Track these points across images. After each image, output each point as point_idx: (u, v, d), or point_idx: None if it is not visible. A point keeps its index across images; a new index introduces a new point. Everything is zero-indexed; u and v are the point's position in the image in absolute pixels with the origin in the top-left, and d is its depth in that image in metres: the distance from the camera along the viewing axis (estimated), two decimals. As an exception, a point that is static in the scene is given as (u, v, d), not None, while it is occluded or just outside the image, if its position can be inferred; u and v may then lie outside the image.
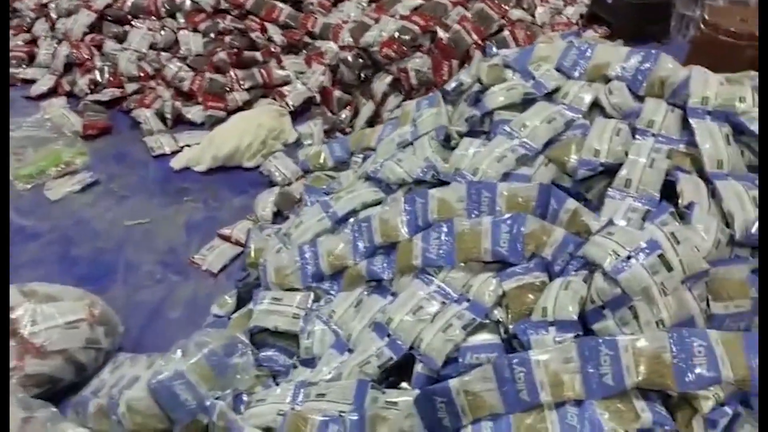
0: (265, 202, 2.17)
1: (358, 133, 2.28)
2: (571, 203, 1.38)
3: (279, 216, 2.18)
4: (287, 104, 2.72)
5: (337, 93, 2.69)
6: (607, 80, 1.61)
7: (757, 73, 1.58)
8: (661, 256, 1.18)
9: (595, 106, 1.59)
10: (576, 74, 1.65)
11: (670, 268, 1.18)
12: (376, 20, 2.60)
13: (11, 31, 3.27)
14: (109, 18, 3.09)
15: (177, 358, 1.42)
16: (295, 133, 2.57)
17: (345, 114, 2.63)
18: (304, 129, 2.55)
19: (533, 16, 2.69)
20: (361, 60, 2.59)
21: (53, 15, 3.23)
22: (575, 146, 1.50)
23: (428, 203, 1.51)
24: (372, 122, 2.55)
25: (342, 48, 2.70)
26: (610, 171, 1.46)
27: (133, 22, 3.07)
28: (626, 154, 1.45)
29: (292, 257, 1.68)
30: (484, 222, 1.41)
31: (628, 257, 1.19)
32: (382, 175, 1.74)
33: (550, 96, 1.63)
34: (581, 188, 1.51)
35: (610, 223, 1.32)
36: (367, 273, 1.53)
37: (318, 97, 2.76)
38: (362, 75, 2.64)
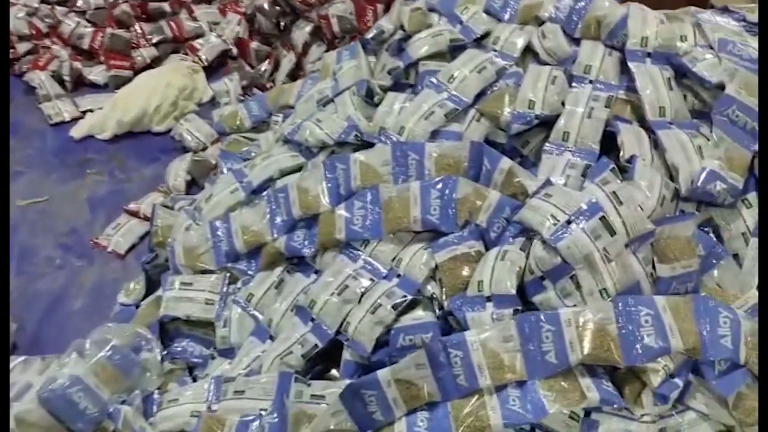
0: (177, 171, 1.97)
1: (277, 89, 2.08)
2: (506, 162, 1.25)
3: (194, 185, 1.99)
4: (200, 59, 2.48)
5: (254, 45, 2.46)
6: (540, 22, 1.46)
7: (697, 9, 1.47)
8: (602, 218, 1.07)
9: (528, 51, 1.45)
10: (506, 17, 1.50)
11: (612, 232, 1.07)
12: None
13: None
14: (-9, -32, 2.73)
15: (73, 361, 1.25)
16: (210, 92, 2.35)
17: (264, 67, 2.41)
18: (220, 86, 2.33)
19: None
20: (278, 7, 2.36)
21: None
22: (508, 98, 1.36)
23: (350, 169, 1.35)
24: (294, 75, 2.34)
25: (257, -5, 2.46)
26: (547, 123, 1.34)
27: (18, -28, 2.72)
28: (563, 104, 1.33)
29: (203, 235, 1.50)
30: (412, 187, 1.27)
31: (568, 222, 1.08)
32: (300, 138, 1.57)
33: (479, 42, 1.48)
34: (517, 143, 1.39)
35: (548, 183, 1.20)
36: (286, 249, 1.37)
37: (234, 50, 2.53)
38: (281, 24, 2.42)
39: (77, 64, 2.46)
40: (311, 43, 2.30)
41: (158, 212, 1.66)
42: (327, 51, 2.27)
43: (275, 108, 2.00)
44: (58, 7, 2.67)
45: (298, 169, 1.59)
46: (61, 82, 2.42)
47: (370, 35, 1.56)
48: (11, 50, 2.55)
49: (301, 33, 2.29)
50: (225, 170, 1.81)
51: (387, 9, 2.22)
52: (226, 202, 1.56)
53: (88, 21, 2.62)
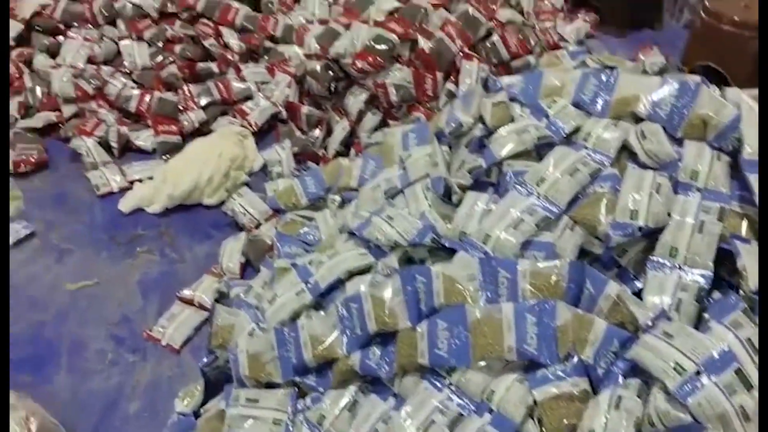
0: (232, 252, 1.88)
1: (334, 165, 1.99)
2: (612, 288, 1.13)
3: (249, 266, 1.89)
4: (250, 123, 2.40)
5: (305, 109, 2.37)
6: (635, 118, 1.34)
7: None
8: (738, 371, 0.94)
9: (624, 149, 1.33)
10: (598, 109, 1.38)
11: (749, 386, 0.94)
12: (347, 26, 2.28)
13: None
14: (38, 28, 2.70)
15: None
16: (261, 160, 2.26)
17: (316, 133, 2.32)
18: (271, 155, 2.24)
19: (522, 14, 2.40)
20: (331, 72, 2.27)
21: (-27, 25, 2.82)
22: (605, 204, 1.24)
23: (432, 282, 1.24)
24: (347, 143, 2.25)
25: (308, 57, 2.38)
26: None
27: (66, 32, 2.68)
28: (668, 214, 1.20)
29: (268, 342, 1.40)
30: (504, 310, 1.15)
31: (697, 373, 0.95)
32: (369, 235, 1.46)
33: (568, 137, 1.37)
34: (614, 252, 1.26)
35: (663, 315, 1.08)
36: (361, 368, 1.26)
37: (284, 113, 2.45)
38: (333, 87, 2.33)
39: (124, 129, 2.40)
40: (366, 111, 2.21)
41: (218, 312, 1.56)
42: (383, 120, 2.19)
43: (333, 184, 1.91)
44: (104, 67, 2.62)
45: (368, 269, 1.48)
46: (108, 147, 2.36)
47: (447, 129, 1.45)
48: (56, 113, 2.51)
49: (355, 100, 2.20)
50: (283, 254, 1.72)
51: (446, 77, 2.13)
52: (291, 305, 1.46)
53: (135, 82, 2.57)
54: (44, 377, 1.60)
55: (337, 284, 1.46)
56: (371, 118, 2.19)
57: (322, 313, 1.43)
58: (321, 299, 1.45)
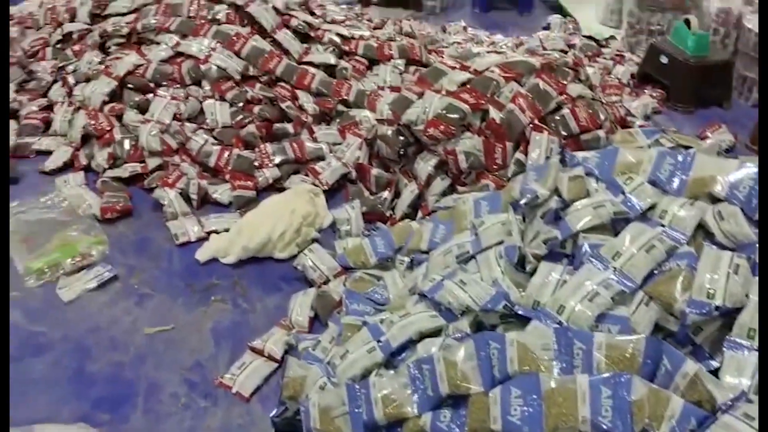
0: (301, 306, 1.95)
1: (403, 226, 2.06)
2: (690, 366, 1.13)
3: (316, 319, 1.95)
4: (321, 182, 2.51)
5: (375, 171, 2.47)
6: (712, 198, 1.37)
7: None
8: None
9: (700, 227, 1.36)
10: (674, 188, 1.42)
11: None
12: (419, 95, 2.39)
13: (26, 96, 3.11)
14: (130, 86, 2.91)
15: None
16: (331, 217, 2.35)
17: (385, 195, 2.41)
18: (341, 213, 2.33)
19: (591, 89, 2.47)
20: (402, 137, 2.38)
21: (71, 80, 3.06)
22: (682, 282, 1.26)
23: (506, 350, 1.27)
24: (415, 205, 2.33)
25: (380, 121, 2.49)
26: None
27: (156, 91, 2.88)
28: (747, 296, 1.21)
29: (339, 396, 1.44)
30: (579, 381, 1.17)
31: (781, 458, 0.94)
32: (441, 299, 1.51)
33: (644, 214, 1.40)
34: (689, 329, 1.27)
35: (743, 396, 1.08)
36: (431, 430, 1.28)
37: (354, 173, 2.55)
38: (403, 151, 2.43)
39: (204, 183, 2.54)
40: (435, 176, 2.29)
41: (290, 364, 1.62)
42: (452, 185, 2.26)
43: (402, 246, 1.97)
44: (188, 124, 2.79)
45: (438, 331, 1.52)
46: (187, 199, 2.49)
47: (523, 200, 1.51)
48: (142, 164, 2.67)
49: (425, 165, 2.28)
50: (352, 311, 1.78)
51: (516, 147, 2.20)
52: (362, 362, 1.50)
53: (216, 138, 2.72)
54: (121, 417, 1.66)
55: (408, 344, 1.50)
56: (440, 183, 2.26)
57: (392, 372, 1.47)
58: (391, 358, 1.49)
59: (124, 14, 3.23)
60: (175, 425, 1.66)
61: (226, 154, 2.61)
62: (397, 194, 2.41)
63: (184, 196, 2.50)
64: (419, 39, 3.55)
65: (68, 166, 2.74)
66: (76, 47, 3.22)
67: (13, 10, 3.81)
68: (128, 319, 1.99)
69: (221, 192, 2.52)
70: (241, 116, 2.76)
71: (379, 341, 1.52)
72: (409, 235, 1.98)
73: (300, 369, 1.61)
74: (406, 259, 1.91)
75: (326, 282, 2.07)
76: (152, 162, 2.67)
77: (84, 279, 2.12)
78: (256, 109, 2.77)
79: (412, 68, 3.05)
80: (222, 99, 2.83)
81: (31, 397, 1.72)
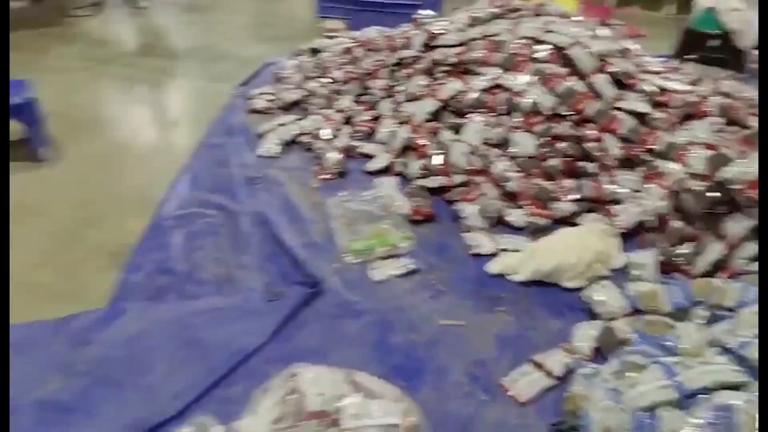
0: (586, 336, 2.01)
1: (705, 282, 2.01)
2: None
3: (598, 353, 2.00)
4: (616, 224, 2.54)
5: (677, 224, 2.43)
6: None
7: None
8: None
9: None
10: None
11: None
12: (741, 153, 2.30)
13: (361, 107, 3.65)
14: (449, 108, 3.26)
15: None
16: (623, 259, 2.38)
17: (684, 248, 2.36)
18: (635, 258, 2.34)
19: None
20: (713, 194, 2.31)
21: (399, 98, 3.52)
22: None
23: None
24: (719, 266, 2.24)
25: (692, 175, 2.45)
26: None
27: (470, 115, 3.18)
28: None
29: (624, 422, 1.49)
30: None
31: None
32: (748, 354, 1.47)
33: None
34: None
35: None
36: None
37: (654, 222, 2.53)
38: (711, 208, 2.35)
39: (501, 204, 2.74)
40: (747, 239, 2.18)
41: (576, 379, 1.70)
42: (767, 251, 2.13)
43: (704, 301, 1.93)
44: (493, 149, 3.03)
45: (739, 386, 1.48)
46: (484, 216, 2.71)
47: None
48: (448, 178, 2.97)
49: (738, 227, 2.19)
50: (640, 352, 1.79)
51: None
52: (652, 396, 1.54)
53: (518, 166, 2.91)
54: (413, 386, 1.89)
55: (704, 391, 1.49)
56: (752, 247, 2.15)
57: (681, 412, 1.47)
58: (683, 399, 1.49)
59: (451, 46, 3.62)
60: (459, 408, 1.84)
61: (527, 182, 2.78)
62: (698, 250, 2.34)
63: (481, 213, 2.73)
64: (739, 101, 3.37)
65: (386, 170, 3.16)
66: (407, 71, 3.68)
67: (356, 33, 4.50)
68: (425, 307, 2.25)
69: (516, 216, 2.70)
70: (545, 149, 2.91)
71: (673, 381, 1.53)
72: (712, 291, 1.93)
73: (584, 387, 1.68)
74: (707, 314, 1.87)
75: (612, 318, 2.10)
76: (457, 178, 2.95)
77: (393, 266, 2.44)
78: (562, 145, 2.90)
79: (730, 128, 2.92)
80: (529, 131, 3.02)
81: (343, 349, 2.05)
